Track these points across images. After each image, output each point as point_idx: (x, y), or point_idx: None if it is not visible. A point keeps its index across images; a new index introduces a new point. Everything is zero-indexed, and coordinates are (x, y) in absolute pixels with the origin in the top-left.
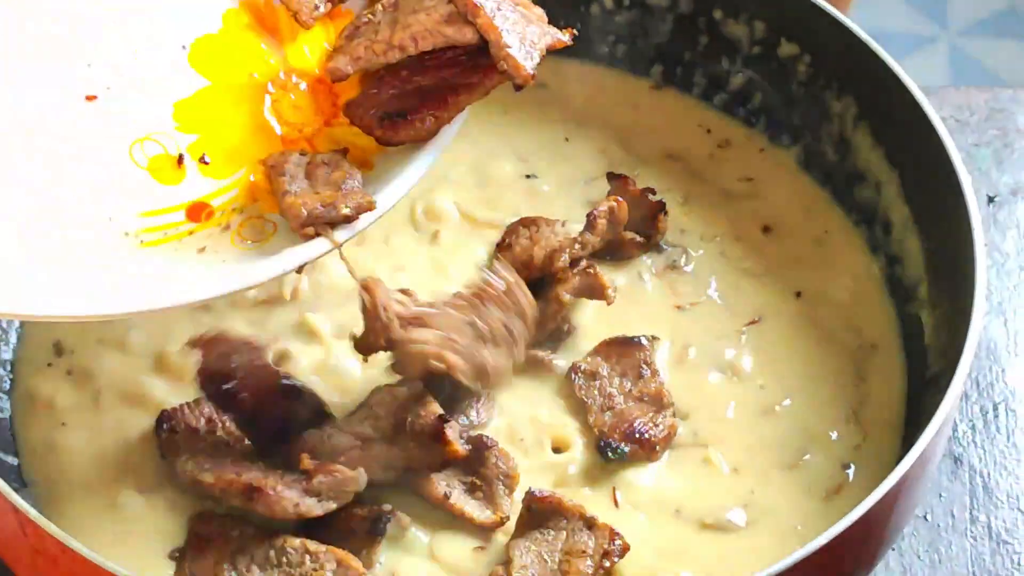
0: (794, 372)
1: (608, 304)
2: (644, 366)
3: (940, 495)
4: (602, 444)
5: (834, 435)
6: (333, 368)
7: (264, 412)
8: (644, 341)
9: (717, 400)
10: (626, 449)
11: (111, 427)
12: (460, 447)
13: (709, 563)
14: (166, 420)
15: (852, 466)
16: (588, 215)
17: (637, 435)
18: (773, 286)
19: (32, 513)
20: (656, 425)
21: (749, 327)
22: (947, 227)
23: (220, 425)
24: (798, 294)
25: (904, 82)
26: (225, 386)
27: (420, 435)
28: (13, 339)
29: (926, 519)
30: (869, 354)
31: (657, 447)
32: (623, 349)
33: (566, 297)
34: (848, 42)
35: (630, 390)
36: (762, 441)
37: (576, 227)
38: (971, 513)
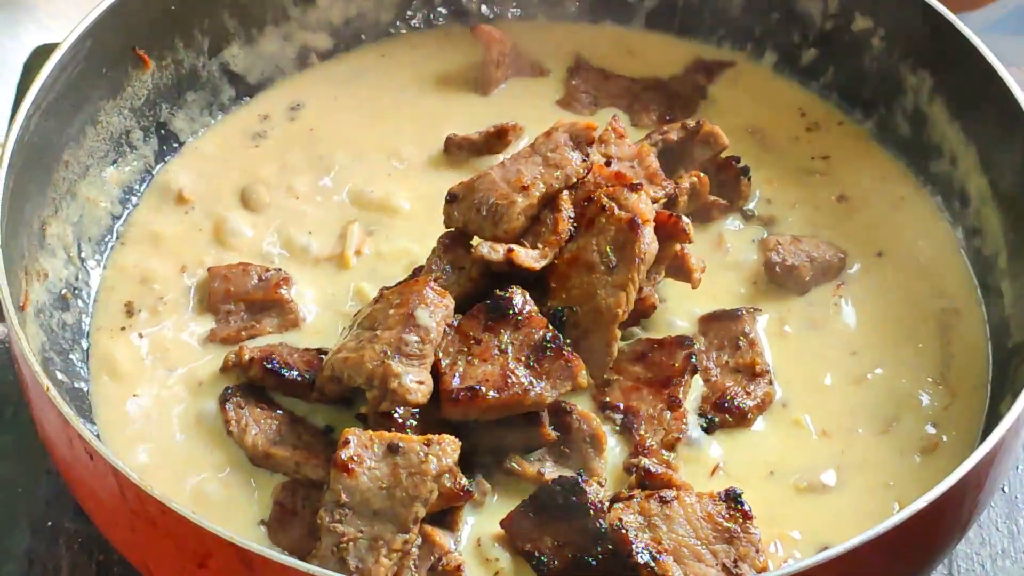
0: (883, 335)
1: (693, 288)
2: (742, 337)
3: (1017, 467)
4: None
5: (924, 399)
6: None
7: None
8: (743, 313)
9: (812, 368)
10: (715, 419)
11: (188, 391)
12: (551, 431)
13: (807, 523)
14: (230, 397)
15: (941, 427)
16: (670, 192)
17: (727, 405)
18: (855, 250)
19: (133, 476)
20: (748, 394)
21: (840, 289)
22: None
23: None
24: (879, 254)
25: (985, 55)
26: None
27: (511, 417)
28: (91, 308)
29: (1004, 491)
30: (953, 317)
31: (749, 415)
32: (722, 322)
33: (655, 278)
34: (924, 16)
35: (726, 362)
36: (854, 406)
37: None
38: None
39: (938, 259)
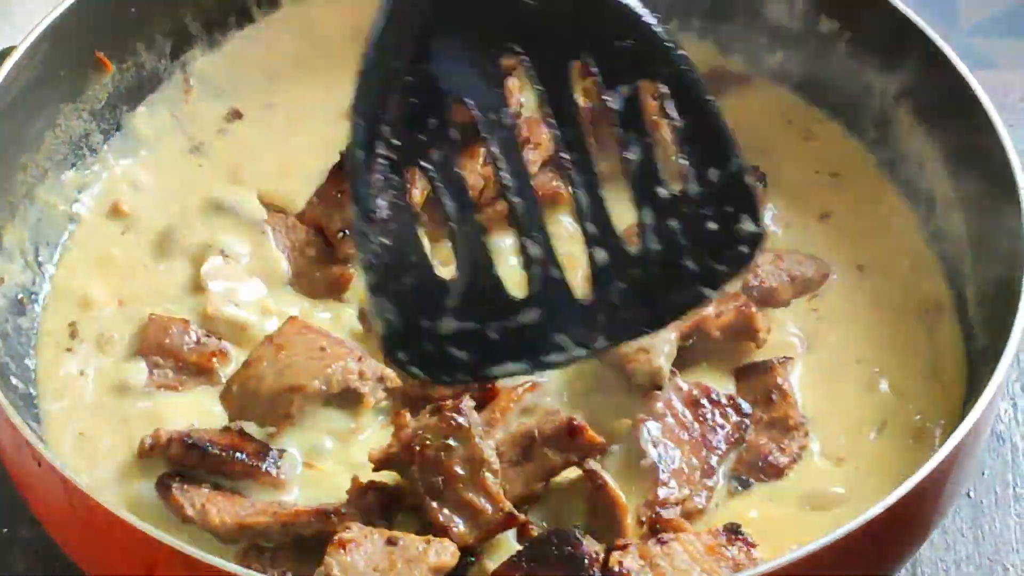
0: (863, 344)
1: (758, 347)
2: (775, 391)
3: (983, 473)
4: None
5: (912, 405)
6: None
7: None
8: (774, 363)
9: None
10: (750, 480)
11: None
12: (596, 435)
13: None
14: (171, 480)
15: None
16: None
17: (762, 464)
18: (834, 258)
19: (81, 483)
20: (783, 450)
21: (813, 301)
22: (992, 205)
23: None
24: (860, 267)
25: (950, 59)
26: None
27: (552, 439)
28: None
29: (969, 496)
30: (934, 320)
31: (785, 471)
32: (756, 376)
33: (716, 335)
34: (890, 19)
35: (761, 417)
36: (859, 420)
37: None
38: (1014, 490)
39: (916, 264)
